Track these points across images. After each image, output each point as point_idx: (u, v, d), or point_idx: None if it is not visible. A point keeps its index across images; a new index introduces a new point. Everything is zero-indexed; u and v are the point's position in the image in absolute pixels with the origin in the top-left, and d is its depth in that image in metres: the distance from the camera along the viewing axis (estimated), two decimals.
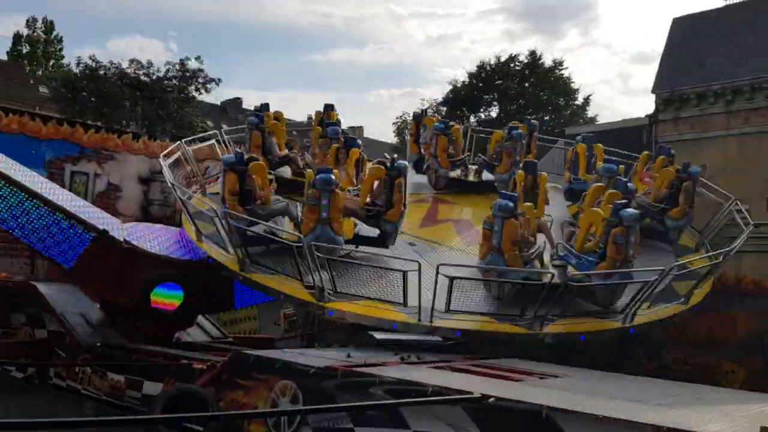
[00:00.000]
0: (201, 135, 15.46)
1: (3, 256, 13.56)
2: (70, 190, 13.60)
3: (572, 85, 39.94)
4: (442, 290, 8.79)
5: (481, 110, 41.25)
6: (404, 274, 8.83)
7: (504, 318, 9.24)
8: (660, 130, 21.66)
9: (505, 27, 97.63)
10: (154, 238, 11.33)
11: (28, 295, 12.02)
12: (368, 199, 10.35)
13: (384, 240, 10.40)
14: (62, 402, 10.27)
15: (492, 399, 5.93)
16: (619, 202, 9.63)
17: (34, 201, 10.46)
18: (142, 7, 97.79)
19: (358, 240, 10.32)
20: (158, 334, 10.94)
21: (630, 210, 9.42)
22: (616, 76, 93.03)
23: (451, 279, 8.75)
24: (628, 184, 11.12)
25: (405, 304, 9.01)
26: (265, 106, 13.70)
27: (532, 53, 40.25)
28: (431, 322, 8.93)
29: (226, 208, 9.76)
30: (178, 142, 12.85)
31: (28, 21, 48.41)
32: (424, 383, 6.68)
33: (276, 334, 15.52)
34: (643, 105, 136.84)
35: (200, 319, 12.96)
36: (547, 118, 38.08)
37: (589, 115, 40.04)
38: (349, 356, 8.33)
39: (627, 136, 20.64)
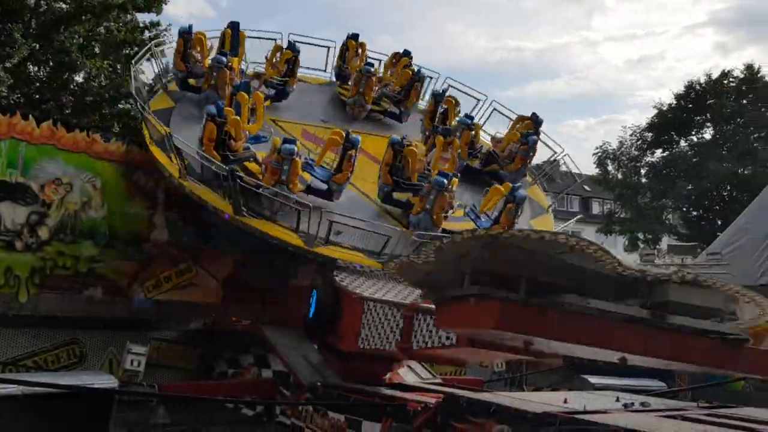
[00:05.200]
0: None
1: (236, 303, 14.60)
2: None
3: None
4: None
5: (693, 133, 38.34)
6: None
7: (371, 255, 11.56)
8: None
9: (716, 40, 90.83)
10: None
11: (255, 337, 13.03)
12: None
13: (330, 195, 12.65)
14: None
15: None
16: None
17: None
18: None
19: (310, 190, 12.54)
20: (371, 374, 11.24)
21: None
22: None
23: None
24: None
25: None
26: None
27: (749, 66, 36.89)
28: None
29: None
30: None
31: None
32: None
33: (483, 376, 15.28)
34: None
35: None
36: None
37: None
38: (565, 401, 7.90)
39: None
